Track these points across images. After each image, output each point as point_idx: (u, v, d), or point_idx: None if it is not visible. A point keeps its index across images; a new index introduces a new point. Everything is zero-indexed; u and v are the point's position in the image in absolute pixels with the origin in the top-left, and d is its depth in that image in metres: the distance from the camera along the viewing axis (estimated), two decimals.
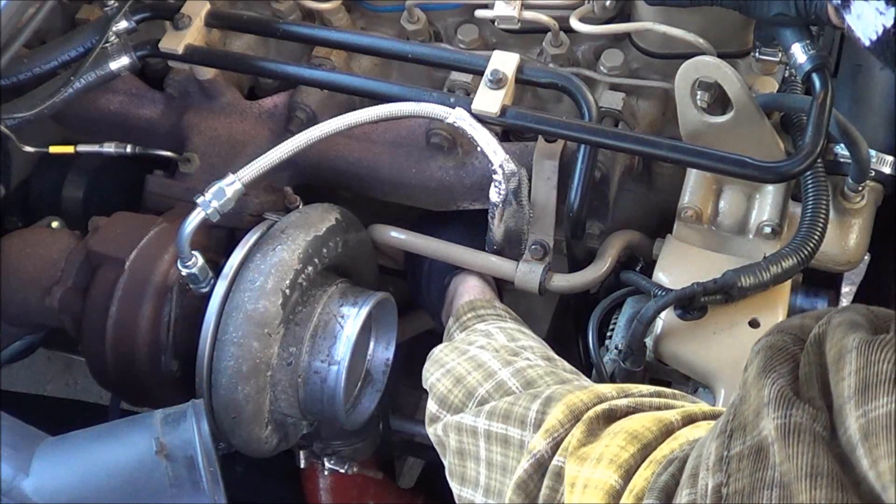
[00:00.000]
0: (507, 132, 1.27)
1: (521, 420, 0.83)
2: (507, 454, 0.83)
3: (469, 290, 1.21)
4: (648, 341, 1.11)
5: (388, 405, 1.38)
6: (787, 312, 1.10)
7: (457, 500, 0.91)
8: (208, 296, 1.11)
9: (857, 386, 0.49)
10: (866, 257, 1.28)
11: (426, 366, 1.04)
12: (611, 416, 0.76)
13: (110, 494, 0.88)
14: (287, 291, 1.10)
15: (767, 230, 1.15)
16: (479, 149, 1.13)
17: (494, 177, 1.14)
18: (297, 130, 1.15)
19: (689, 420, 0.72)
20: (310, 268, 1.13)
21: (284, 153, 1.12)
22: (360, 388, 1.24)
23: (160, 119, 1.33)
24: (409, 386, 1.38)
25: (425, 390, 1.03)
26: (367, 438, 1.37)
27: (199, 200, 1.08)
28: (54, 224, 1.28)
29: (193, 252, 1.09)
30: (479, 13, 1.27)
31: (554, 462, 0.75)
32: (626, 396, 0.78)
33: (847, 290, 1.82)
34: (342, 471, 1.40)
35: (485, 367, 0.96)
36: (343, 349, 1.13)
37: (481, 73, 1.16)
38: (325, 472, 1.43)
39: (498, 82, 1.15)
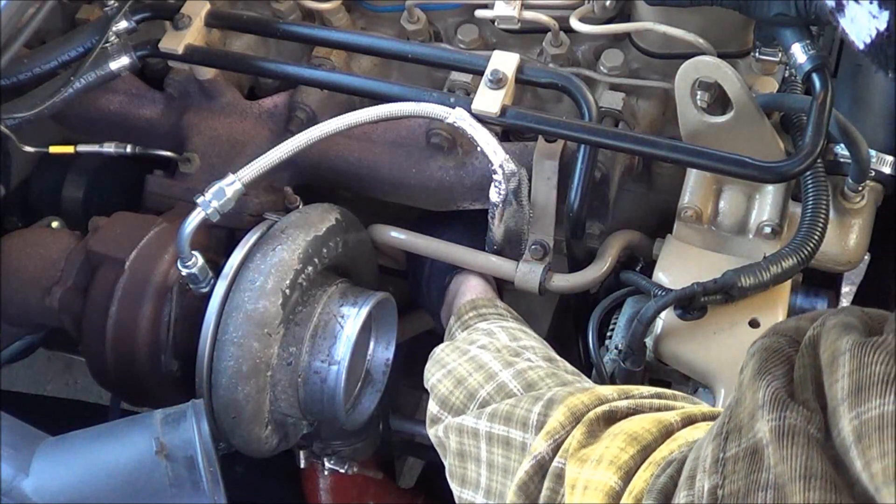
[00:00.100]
0: (507, 132, 1.27)
1: (522, 422, 0.83)
2: (508, 456, 0.83)
3: (471, 288, 1.21)
4: (648, 341, 1.11)
5: (388, 405, 1.38)
6: (787, 312, 1.10)
7: (457, 502, 0.91)
8: (208, 296, 1.11)
9: (850, 388, 0.50)
10: (866, 257, 1.28)
11: (428, 366, 1.04)
12: (611, 418, 0.76)
13: (110, 494, 0.88)
14: (287, 291, 1.10)
15: (767, 230, 1.15)
16: (479, 149, 1.13)
17: (494, 177, 1.14)
18: (297, 130, 1.15)
19: (689, 421, 0.72)
20: (310, 268, 1.13)
21: (284, 153, 1.12)
22: (360, 388, 1.24)
23: (160, 119, 1.33)
24: (409, 386, 1.38)
25: (425, 390, 1.03)
26: (367, 438, 1.37)
27: (199, 200, 1.08)
28: (54, 224, 1.28)
29: (193, 252, 1.09)
30: (479, 13, 1.27)
31: (554, 463, 0.75)
32: (626, 398, 0.78)
33: (847, 290, 1.81)
34: (342, 471, 1.40)
35: (486, 369, 0.96)
36: (343, 349, 1.13)
37: (481, 73, 1.16)
38: (325, 472, 1.43)
39: (498, 82, 1.15)
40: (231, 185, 1.09)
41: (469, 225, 1.28)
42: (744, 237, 1.17)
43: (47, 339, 1.31)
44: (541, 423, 0.80)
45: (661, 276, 1.15)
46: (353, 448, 1.37)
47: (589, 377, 1.17)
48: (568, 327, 1.38)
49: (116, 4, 1.21)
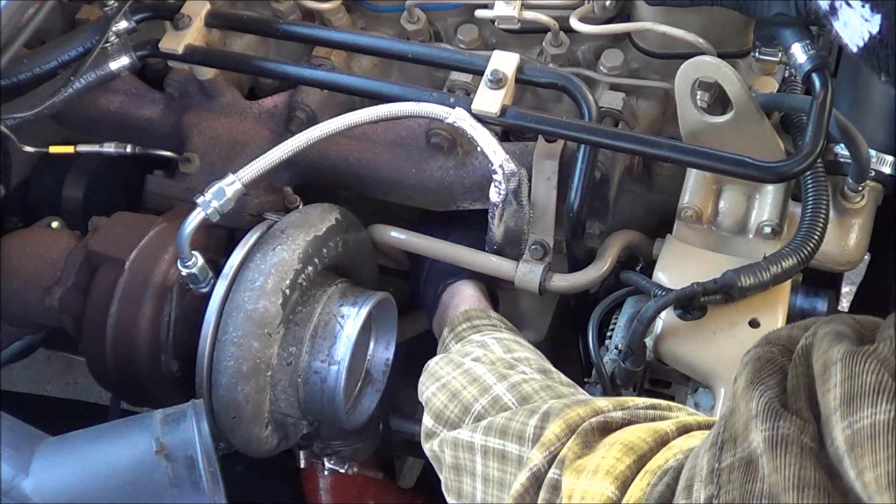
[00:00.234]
0: (507, 132, 1.27)
1: (518, 435, 0.83)
2: (504, 469, 0.83)
3: (464, 299, 1.21)
4: (648, 341, 1.11)
5: (388, 405, 1.38)
6: (786, 312, 1.10)
7: None
8: (208, 296, 1.11)
9: (841, 397, 0.50)
10: (866, 257, 1.28)
11: (422, 378, 1.04)
12: (606, 428, 0.76)
13: (110, 494, 0.88)
14: (287, 291, 1.10)
15: (767, 230, 1.15)
16: (479, 149, 1.13)
17: (494, 177, 1.14)
18: (297, 130, 1.15)
19: (684, 430, 0.72)
20: (310, 268, 1.13)
21: (284, 153, 1.12)
22: (360, 388, 1.24)
23: (160, 119, 1.33)
24: (409, 386, 1.37)
25: None
26: (367, 438, 1.37)
27: (199, 200, 1.08)
28: (54, 224, 1.28)
29: (193, 252, 1.09)
30: (479, 13, 1.27)
31: (550, 475, 0.75)
32: (621, 409, 0.78)
33: (847, 290, 1.82)
34: (342, 471, 1.40)
35: (480, 382, 0.96)
36: (343, 349, 1.13)
37: (481, 73, 1.16)
38: (325, 472, 1.43)
39: (498, 82, 1.15)
40: (231, 185, 1.09)
41: (469, 225, 1.28)
42: (744, 237, 1.17)
43: (47, 339, 1.31)
44: (537, 437, 0.80)
45: (661, 276, 1.15)
46: (353, 448, 1.37)
47: (589, 377, 1.18)
48: (568, 327, 1.38)
49: (116, 4, 1.21)
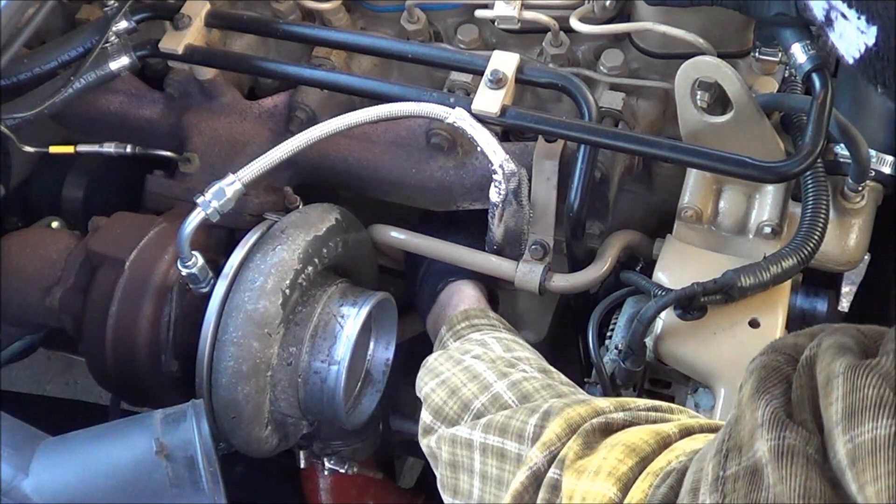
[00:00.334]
0: (507, 132, 1.27)
1: (518, 434, 0.82)
2: (503, 467, 0.83)
3: (463, 298, 1.21)
4: (648, 341, 1.11)
5: (388, 405, 1.38)
6: (786, 312, 1.10)
7: None
8: (208, 296, 1.11)
9: (843, 411, 0.50)
10: (866, 257, 1.28)
11: (420, 374, 1.04)
12: (607, 429, 0.76)
13: (110, 494, 0.88)
14: (287, 291, 1.10)
15: (767, 230, 1.15)
16: (479, 149, 1.13)
17: (494, 177, 1.14)
18: (297, 130, 1.15)
19: (686, 433, 0.72)
20: (310, 268, 1.13)
21: (284, 153, 1.12)
22: (360, 388, 1.24)
23: (160, 119, 1.33)
24: (409, 386, 1.37)
25: None
26: (367, 438, 1.37)
27: (199, 200, 1.08)
28: (54, 224, 1.28)
29: (193, 252, 1.09)
30: (479, 13, 1.27)
31: (549, 474, 0.74)
32: (623, 410, 0.78)
33: (847, 290, 1.82)
34: (342, 471, 1.40)
35: (480, 379, 0.96)
36: (343, 349, 1.13)
37: (481, 73, 1.16)
38: (325, 472, 1.43)
39: (498, 82, 1.15)
40: (231, 185, 1.09)
41: (469, 225, 1.28)
42: (744, 237, 1.17)
43: (47, 339, 1.31)
44: (537, 435, 0.80)
45: (661, 276, 1.15)
46: (353, 448, 1.37)
47: (589, 377, 1.18)
48: (568, 327, 1.38)
49: (116, 4, 1.21)
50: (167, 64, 1.31)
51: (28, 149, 1.18)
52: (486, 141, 1.12)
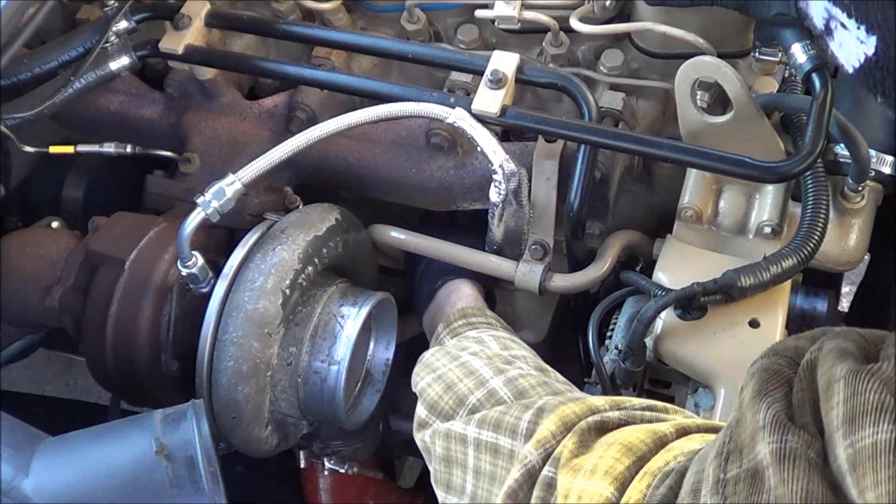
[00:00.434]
0: (507, 132, 1.27)
1: (511, 430, 0.82)
2: (496, 463, 0.83)
3: (461, 297, 1.21)
4: (648, 341, 1.11)
5: (388, 405, 1.38)
6: (786, 312, 1.10)
7: None
8: (208, 296, 1.11)
9: (844, 416, 0.50)
10: (866, 257, 1.28)
11: (416, 369, 1.04)
12: (602, 428, 0.76)
13: (110, 494, 0.88)
14: (287, 291, 1.10)
15: (767, 230, 1.15)
16: (479, 149, 1.13)
17: (494, 177, 1.14)
18: (297, 130, 1.15)
19: (683, 432, 0.72)
20: (310, 268, 1.13)
21: (284, 153, 1.12)
22: (360, 388, 1.24)
23: (160, 119, 1.33)
24: (408, 386, 1.37)
25: None
26: (367, 438, 1.37)
27: (199, 200, 1.08)
28: (54, 224, 1.28)
29: (193, 252, 1.09)
30: (479, 13, 1.27)
31: (544, 472, 0.74)
32: (618, 409, 0.78)
33: (847, 290, 1.82)
34: (342, 471, 1.40)
35: (476, 375, 0.96)
36: (343, 349, 1.13)
37: (481, 73, 1.16)
38: (325, 472, 1.43)
39: (498, 82, 1.15)
40: (231, 185, 1.09)
41: (469, 225, 1.28)
42: (744, 237, 1.17)
43: (47, 339, 1.31)
44: (530, 432, 0.80)
45: (661, 276, 1.15)
46: (353, 448, 1.37)
47: (589, 377, 1.18)
48: (568, 327, 1.38)
49: (116, 4, 1.21)
50: (167, 64, 1.31)
51: (28, 149, 1.18)
52: (486, 141, 1.12)
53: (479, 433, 0.86)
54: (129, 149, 1.26)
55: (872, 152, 1.18)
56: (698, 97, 1.10)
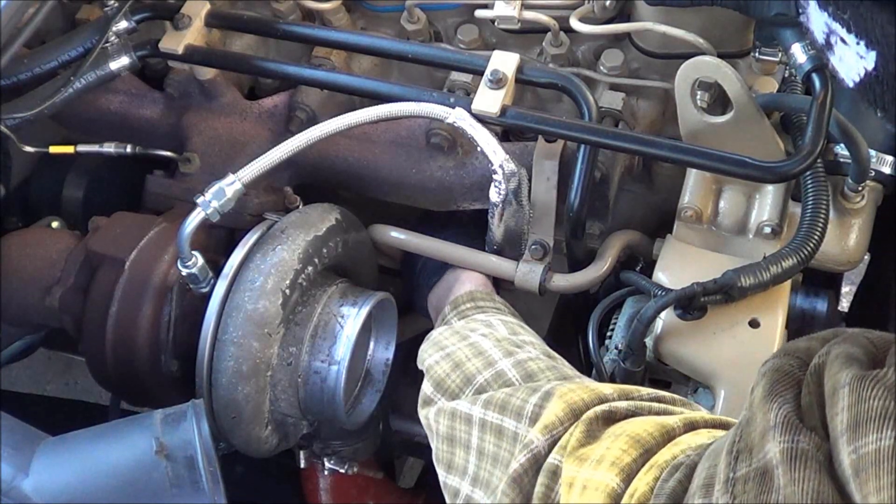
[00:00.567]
0: (507, 132, 1.27)
1: (517, 412, 0.82)
2: (499, 445, 0.83)
3: (470, 279, 1.21)
4: (648, 341, 1.11)
5: (388, 405, 1.38)
6: (786, 312, 1.10)
7: (442, 487, 0.90)
8: (208, 296, 1.11)
9: (848, 422, 0.50)
10: (866, 257, 1.28)
11: (423, 346, 1.03)
12: (610, 418, 0.75)
13: (110, 494, 0.88)
14: (287, 291, 1.10)
15: (767, 230, 1.15)
16: (479, 149, 1.13)
17: (494, 177, 1.14)
18: (297, 130, 1.15)
19: (691, 427, 0.72)
20: (310, 268, 1.13)
21: (284, 153, 1.12)
22: (360, 388, 1.24)
23: (160, 119, 1.33)
24: (409, 386, 1.37)
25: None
26: (367, 438, 1.37)
27: (199, 200, 1.08)
28: (54, 224, 1.28)
29: (193, 252, 1.09)
30: (479, 13, 1.27)
31: (550, 459, 0.74)
32: (626, 399, 0.78)
33: (847, 290, 1.82)
34: (342, 471, 1.40)
35: (485, 355, 0.96)
36: (343, 349, 1.13)
37: (481, 73, 1.16)
38: (325, 472, 1.43)
39: (498, 82, 1.15)
40: (231, 185, 1.09)
41: (469, 225, 1.28)
42: (744, 237, 1.17)
43: (47, 339, 1.31)
44: (536, 415, 0.80)
45: (661, 276, 1.15)
46: (353, 448, 1.37)
47: (589, 377, 1.18)
48: (568, 327, 1.38)
49: (116, 4, 1.21)
50: (167, 64, 1.31)
51: (28, 149, 1.18)
52: (486, 141, 1.12)
53: (485, 414, 0.86)
54: (129, 149, 1.26)
55: (872, 152, 1.18)
56: (698, 97, 1.10)
